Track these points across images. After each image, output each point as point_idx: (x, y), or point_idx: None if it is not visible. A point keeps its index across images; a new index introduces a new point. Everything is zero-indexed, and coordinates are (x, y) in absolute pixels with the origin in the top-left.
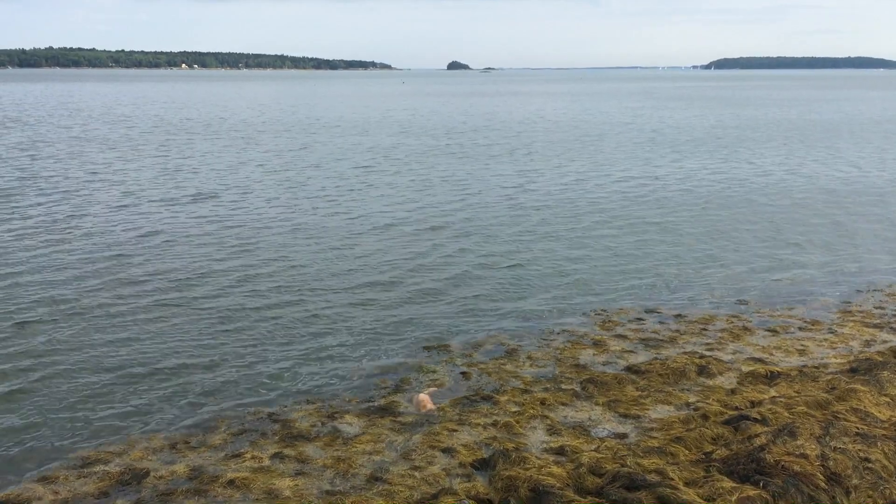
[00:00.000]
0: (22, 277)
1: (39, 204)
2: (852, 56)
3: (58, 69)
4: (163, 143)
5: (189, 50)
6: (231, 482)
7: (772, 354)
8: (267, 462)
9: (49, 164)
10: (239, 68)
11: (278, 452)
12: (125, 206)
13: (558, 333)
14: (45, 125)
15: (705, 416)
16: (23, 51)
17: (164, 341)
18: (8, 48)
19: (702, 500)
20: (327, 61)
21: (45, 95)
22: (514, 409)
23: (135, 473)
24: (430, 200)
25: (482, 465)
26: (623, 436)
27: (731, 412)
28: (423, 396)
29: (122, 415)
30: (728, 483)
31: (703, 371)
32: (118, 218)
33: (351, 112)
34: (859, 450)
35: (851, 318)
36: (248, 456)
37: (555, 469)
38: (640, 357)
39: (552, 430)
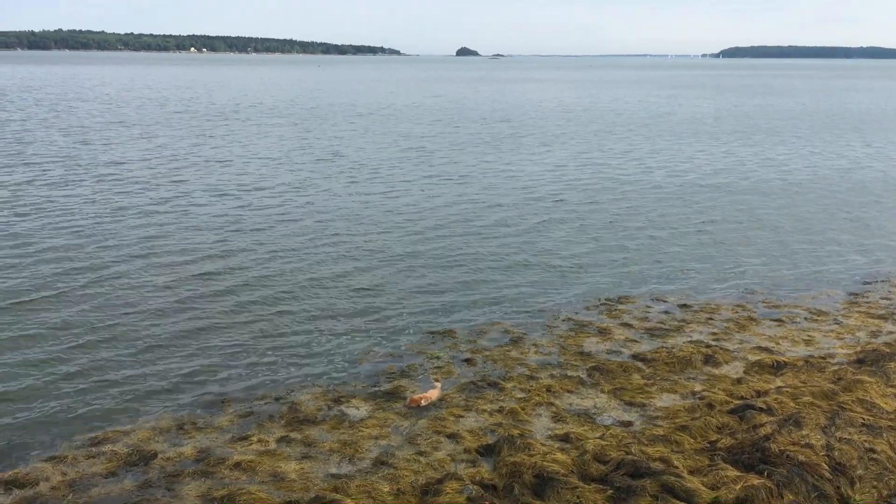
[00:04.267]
0: (39, 257)
1: (77, 192)
2: (865, 46)
3: (67, 51)
4: (202, 130)
5: (198, 33)
6: (237, 464)
7: (778, 344)
8: (273, 445)
9: (97, 151)
10: (248, 52)
11: (285, 436)
12: (167, 197)
13: (563, 321)
14: (80, 110)
15: (711, 405)
16: (32, 32)
17: (175, 325)
18: (17, 30)
19: (706, 489)
20: (336, 46)
21: (66, 79)
22: (519, 396)
23: (142, 454)
24: (451, 192)
25: (487, 451)
26: (628, 424)
27: (736, 401)
28: (416, 396)
29: (130, 395)
30: (732, 472)
31: (708, 360)
32: (156, 205)
33: (378, 98)
34: (865, 440)
35: (857, 309)
36: (255, 439)
37: (559, 456)
38: (646, 345)
39: (557, 417)
